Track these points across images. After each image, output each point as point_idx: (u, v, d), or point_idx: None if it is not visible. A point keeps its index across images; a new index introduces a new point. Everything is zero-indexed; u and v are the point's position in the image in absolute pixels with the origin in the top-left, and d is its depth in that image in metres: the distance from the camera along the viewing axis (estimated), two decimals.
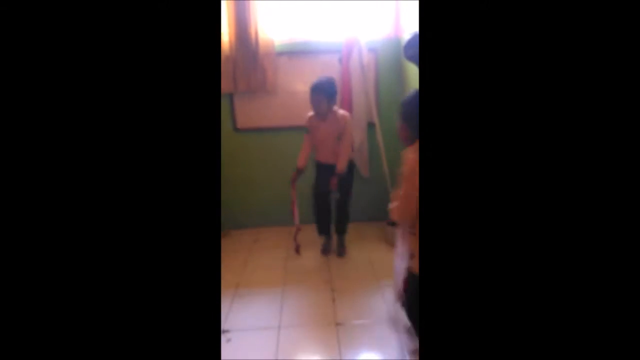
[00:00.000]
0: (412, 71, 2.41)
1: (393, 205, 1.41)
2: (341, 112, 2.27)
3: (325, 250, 2.44)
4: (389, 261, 2.29)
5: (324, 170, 2.34)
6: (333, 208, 2.41)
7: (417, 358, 1.48)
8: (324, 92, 2.15)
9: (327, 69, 2.63)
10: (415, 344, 1.55)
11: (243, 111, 2.70)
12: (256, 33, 2.48)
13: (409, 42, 2.03)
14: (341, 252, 2.43)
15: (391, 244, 2.52)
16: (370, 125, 2.67)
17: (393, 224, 2.41)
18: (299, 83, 2.66)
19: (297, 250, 2.42)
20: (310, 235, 2.55)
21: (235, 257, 2.51)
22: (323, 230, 2.46)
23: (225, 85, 2.56)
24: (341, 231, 2.45)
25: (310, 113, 2.28)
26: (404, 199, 1.31)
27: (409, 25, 2.40)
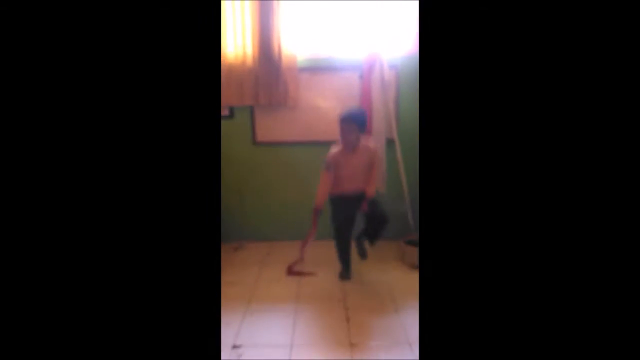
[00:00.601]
0: None
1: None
2: (369, 141, 2.21)
3: (343, 277, 2.32)
4: (407, 282, 2.24)
5: (345, 201, 2.20)
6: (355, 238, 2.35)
7: None
8: (357, 122, 2.05)
9: (348, 85, 2.62)
10: None
11: (263, 125, 2.68)
12: (279, 48, 2.49)
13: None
14: (363, 253, 2.37)
15: (410, 264, 2.45)
16: (389, 142, 2.63)
17: (411, 242, 2.39)
18: (320, 99, 2.65)
19: (290, 271, 2.39)
20: (328, 252, 2.49)
21: (248, 270, 2.46)
22: (344, 260, 2.33)
23: (247, 97, 2.56)
24: (371, 241, 2.33)
25: (335, 149, 2.14)
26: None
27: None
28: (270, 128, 2.69)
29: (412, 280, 2.27)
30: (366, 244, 2.36)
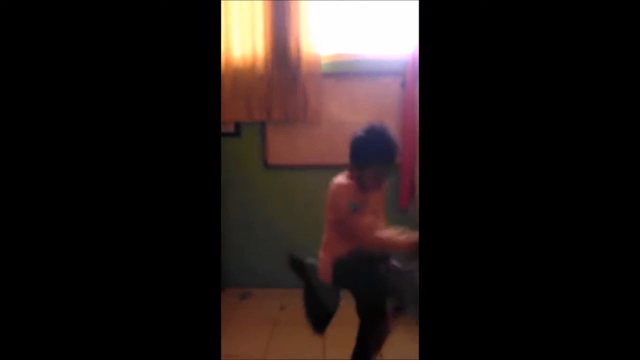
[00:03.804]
0: None
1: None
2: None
3: None
4: None
5: (369, 263, 1.38)
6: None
7: None
8: (372, 156, 1.35)
9: (385, 94, 2.18)
10: None
11: (277, 144, 2.32)
12: (298, 47, 2.11)
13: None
14: None
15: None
16: None
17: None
18: (349, 112, 2.22)
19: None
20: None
21: (256, 332, 1.97)
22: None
23: (257, 111, 2.21)
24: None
25: (342, 180, 1.44)
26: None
27: None
28: (285, 148, 2.34)
29: None
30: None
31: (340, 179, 1.45)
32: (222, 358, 1.60)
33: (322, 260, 1.42)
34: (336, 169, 2.25)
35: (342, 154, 2.22)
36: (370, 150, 1.31)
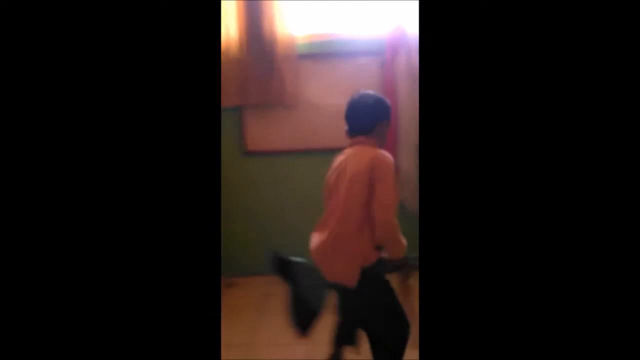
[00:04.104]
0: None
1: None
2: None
3: None
4: None
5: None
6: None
7: None
8: (376, 112, 1.27)
9: (365, 75, 2.15)
10: None
11: (255, 129, 2.27)
12: (273, 28, 2.04)
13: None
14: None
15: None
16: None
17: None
18: (328, 94, 2.18)
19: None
20: None
21: (241, 319, 1.98)
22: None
23: (233, 96, 2.14)
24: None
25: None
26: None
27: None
28: (263, 134, 2.29)
29: None
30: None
31: (369, 151, 1.21)
32: None
33: (342, 262, 1.17)
34: (317, 154, 2.25)
35: (324, 137, 2.21)
36: (373, 109, 1.26)
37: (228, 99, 2.13)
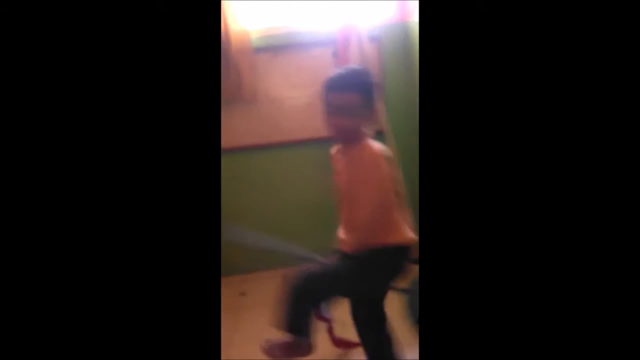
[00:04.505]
0: None
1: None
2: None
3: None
4: None
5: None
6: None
7: None
8: (358, 89, 1.08)
9: (319, 66, 2.10)
10: None
11: None
12: (226, 23, 1.98)
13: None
14: None
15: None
16: (377, 134, 2.12)
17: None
18: (285, 87, 2.14)
19: (338, 342, 1.55)
20: None
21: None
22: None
23: None
24: None
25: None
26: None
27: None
28: (224, 130, 2.14)
29: None
30: None
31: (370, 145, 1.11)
32: None
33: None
34: (279, 148, 2.22)
35: (284, 132, 2.19)
36: (350, 77, 1.09)
37: None
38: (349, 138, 1.12)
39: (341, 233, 1.19)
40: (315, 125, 2.12)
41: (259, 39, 2.08)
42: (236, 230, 1.28)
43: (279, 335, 1.15)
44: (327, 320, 1.48)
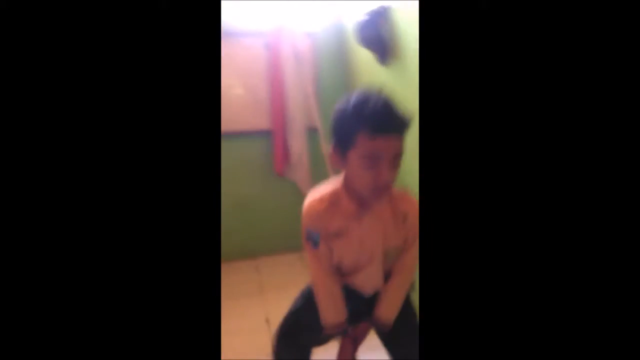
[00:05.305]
0: (362, 60, 1.91)
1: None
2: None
3: None
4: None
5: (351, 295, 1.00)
6: None
7: None
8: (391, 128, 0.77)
9: (250, 57, 2.05)
10: None
11: None
12: None
13: (364, 24, 1.55)
14: None
15: None
16: (311, 131, 2.12)
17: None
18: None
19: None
20: None
21: None
22: None
23: None
24: None
25: (325, 190, 0.90)
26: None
27: (354, 10, 1.90)
28: None
29: None
30: None
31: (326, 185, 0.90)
32: None
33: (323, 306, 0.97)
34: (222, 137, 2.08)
35: (224, 121, 2.03)
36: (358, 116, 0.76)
37: None
38: (384, 194, 0.83)
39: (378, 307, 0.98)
40: (247, 118, 2.04)
41: None
42: None
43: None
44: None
